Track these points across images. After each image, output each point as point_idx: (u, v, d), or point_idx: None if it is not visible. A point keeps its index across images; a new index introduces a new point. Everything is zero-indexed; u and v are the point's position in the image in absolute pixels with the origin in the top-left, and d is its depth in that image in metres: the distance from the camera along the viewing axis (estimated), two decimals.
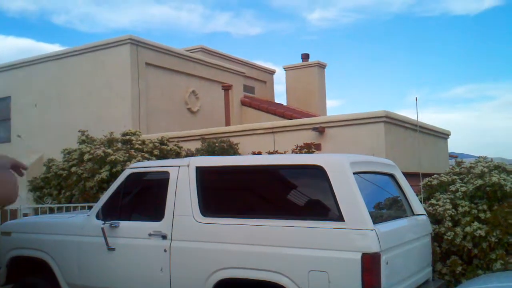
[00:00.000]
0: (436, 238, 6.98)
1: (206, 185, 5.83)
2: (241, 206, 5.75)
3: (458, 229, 6.83)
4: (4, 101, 19.14)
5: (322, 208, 5.28)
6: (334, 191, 5.05)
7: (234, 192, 5.93)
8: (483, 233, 6.60)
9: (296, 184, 5.62)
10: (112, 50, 16.59)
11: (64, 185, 10.10)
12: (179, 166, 6.03)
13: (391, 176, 6.45)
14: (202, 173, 5.87)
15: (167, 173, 6.07)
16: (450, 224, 6.87)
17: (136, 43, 16.37)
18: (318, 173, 5.24)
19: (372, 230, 4.79)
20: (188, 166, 5.96)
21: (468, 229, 6.74)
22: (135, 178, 6.36)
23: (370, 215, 4.94)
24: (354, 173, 5.21)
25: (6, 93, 19.08)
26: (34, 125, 17.96)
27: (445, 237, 6.84)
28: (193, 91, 18.43)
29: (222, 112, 17.75)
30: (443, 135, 16.84)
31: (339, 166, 5.25)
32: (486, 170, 7.05)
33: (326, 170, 5.19)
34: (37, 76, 18.27)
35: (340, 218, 4.94)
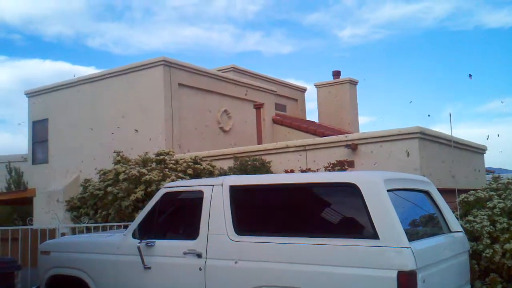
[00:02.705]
0: (474, 255, 6.86)
1: (240, 204, 5.87)
2: (275, 225, 5.75)
3: (497, 246, 6.71)
4: (42, 123, 19.61)
5: (357, 226, 5.26)
6: (368, 208, 5.03)
7: (267, 211, 5.94)
8: None
9: (330, 202, 5.60)
10: (146, 72, 16.88)
11: (100, 204, 10.27)
12: (213, 185, 6.09)
13: (426, 193, 6.38)
14: (236, 192, 5.91)
15: (201, 192, 6.13)
16: (488, 241, 6.74)
17: (169, 65, 16.62)
18: (352, 191, 5.22)
19: (407, 247, 4.73)
20: (222, 185, 6.02)
21: (507, 246, 6.61)
22: (170, 197, 6.44)
23: (406, 232, 4.88)
24: (388, 190, 5.17)
25: (44, 116, 19.56)
26: (70, 146, 18.33)
27: (484, 254, 6.71)
28: (225, 110, 18.59)
29: (254, 131, 17.83)
30: (480, 150, 16.57)
31: (372, 183, 5.22)
32: None
33: (360, 188, 5.17)
34: (73, 98, 18.70)
35: (375, 236, 4.90)
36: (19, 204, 20.64)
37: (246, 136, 18.61)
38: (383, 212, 4.98)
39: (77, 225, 8.94)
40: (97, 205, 10.37)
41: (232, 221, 5.74)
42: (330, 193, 5.56)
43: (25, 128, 20.60)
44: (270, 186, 5.89)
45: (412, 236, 5.18)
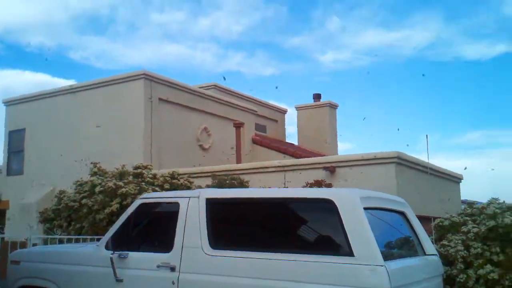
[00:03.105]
0: (448, 280, 6.88)
1: (216, 217, 5.81)
2: (251, 239, 5.70)
3: (470, 272, 6.74)
4: (19, 133, 19.33)
5: (332, 242, 5.23)
6: (344, 225, 5.02)
7: (243, 225, 5.89)
8: (496, 276, 6.50)
9: (306, 218, 5.58)
10: (126, 85, 16.81)
11: (74, 217, 10.11)
12: (189, 197, 6.04)
13: (402, 214, 6.40)
14: (212, 205, 5.86)
15: (177, 204, 6.07)
16: (462, 266, 6.78)
17: (150, 79, 16.58)
18: (328, 207, 5.21)
19: (382, 266, 4.73)
20: (198, 197, 5.96)
21: (481, 271, 6.64)
22: (145, 208, 6.36)
23: (381, 252, 4.89)
24: (364, 208, 5.18)
25: (21, 125, 19.30)
26: (47, 157, 18.09)
27: (458, 279, 6.74)
28: (205, 128, 18.56)
29: (234, 150, 17.80)
30: (456, 179, 16.75)
31: (349, 200, 5.23)
32: (498, 211, 6.99)
33: (336, 204, 5.16)
34: (52, 109, 18.50)
35: (350, 253, 4.89)
36: None
37: (225, 155, 18.57)
38: (359, 229, 4.98)
39: (49, 237, 8.78)
40: (71, 217, 10.21)
41: (208, 234, 5.68)
42: (307, 209, 5.55)
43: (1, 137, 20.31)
44: (247, 200, 5.86)
45: (387, 256, 5.17)
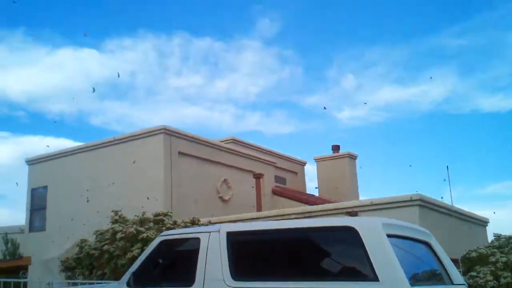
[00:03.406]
0: None
1: (237, 249, 5.78)
2: (273, 269, 5.63)
3: None
4: (41, 190, 19.55)
5: (356, 269, 5.16)
6: (368, 251, 4.96)
7: (265, 256, 5.84)
8: None
9: (329, 246, 5.52)
10: (146, 140, 17.02)
11: (96, 264, 10.07)
12: (210, 232, 6.03)
13: (427, 244, 6.28)
14: (233, 238, 5.84)
15: (198, 239, 6.06)
16: None
17: (169, 133, 16.79)
18: (351, 235, 5.16)
19: None
20: (219, 231, 5.96)
21: None
22: (166, 245, 6.35)
23: (407, 277, 4.79)
24: (388, 235, 5.12)
25: (42, 183, 19.53)
26: (68, 213, 18.16)
27: None
28: (225, 180, 18.59)
29: (254, 201, 17.77)
30: (482, 223, 16.42)
31: (371, 227, 5.19)
32: None
33: (359, 231, 5.12)
34: (72, 166, 18.74)
35: (375, 278, 4.81)
36: (14, 274, 20.20)
37: (245, 206, 18.49)
38: (382, 254, 4.91)
39: (71, 281, 8.73)
40: (93, 265, 10.18)
41: (229, 266, 5.64)
42: (329, 237, 5.49)
43: (23, 197, 20.50)
44: (268, 231, 5.83)
45: (413, 282, 5.06)
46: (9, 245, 24.98)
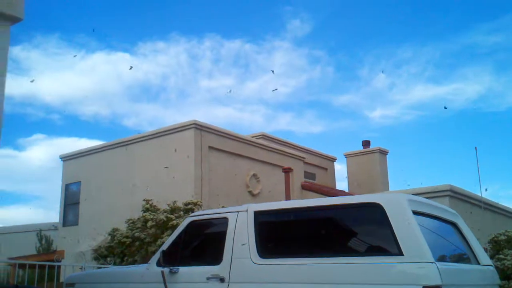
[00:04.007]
0: None
1: (264, 228, 5.88)
2: (299, 247, 5.72)
3: None
4: (74, 186, 19.96)
5: (381, 244, 5.20)
6: (392, 226, 5.00)
7: (291, 233, 5.93)
8: None
9: (354, 223, 5.58)
10: (177, 135, 17.22)
11: (127, 252, 10.28)
12: (238, 212, 6.15)
13: (454, 225, 6.28)
14: (260, 217, 5.94)
15: (226, 219, 6.18)
16: None
17: (200, 128, 16.96)
18: (376, 211, 5.21)
19: (432, 263, 4.66)
20: (247, 211, 6.06)
21: None
22: (195, 225, 6.48)
23: (432, 253, 4.81)
24: (413, 212, 5.15)
25: (76, 178, 19.94)
26: (101, 208, 18.50)
27: None
28: (254, 175, 18.68)
29: (283, 196, 17.80)
30: None
31: (396, 202, 5.23)
32: None
33: (384, 207, 5.16)
34: (106, 162, 19.08)
35: (399, 252, 4.85)
36: (48, 269, 20.68)
37: (274, 201, 18.54)
38: (407, 229, 4.95)
39: (102, 266, 8.95)
40: (124, 253, 10.40)
41: (256, 245, 5.74)
42: (355, 214, 5.55)
43: (57, 197, 20.94)
44: (294, 209, 5.92)
45: (439, 258, 5.08)
46: (43, 241, 25.63)
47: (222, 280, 5.77)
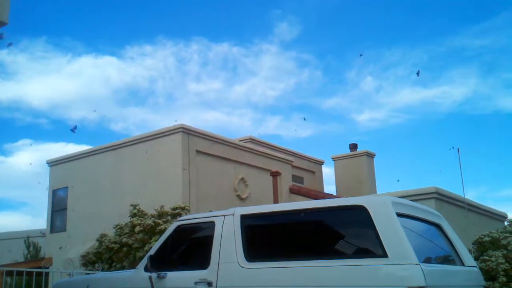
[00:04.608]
0: None
1: (251, 232, 5.93)
2: (286, 250, 5.77)
3: None
4: (62, 191, 19.86)
5: (366, 246, 5.28)
6: (377, 228, 5.07)
7: (278, 237, 5.98)
8: None
9: (340, 225, 5.64)
10: (165, 139, 17.20)
11: (115, 258, 10.28)
12: (224, 216, 6.19)
13: (438, 226, 6.37)
14: (247, 220, 5.99)
15: (212, 223, 6.23)
16: (504, 279, 6.63)
17: (187, 132, 16.96)
18: (361, 213, 5.28)
19: (416, 264, 4.73)
20: (233, 215, 6.11)
21: None
22: (182, 230, 6.52)
23: (416, 255, 4.87)
24: (398, 214, 5.22)
25: (64, 184, 19.83)
26: (89, 214, 18.41)
27: None
28: (242, 178, 18.70)
29: (271, 199, 17.85)
30: (500, 218, 16.35)
31: (381, 204, 5.30)
32: None
33: (368, 209, 5.23)
34: (93, 166, 19.00)
35: (384, 254, 4.91)
36: (36, 276, 20.53)
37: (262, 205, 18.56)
38: (392, 231, 5.02)
39: (91, 272, 8.94)
40: (112, 258, 10.39)
41: (243, 248, 5.78)
42: (340, 217, 5.62)
43: (44, 203, 20.81)
44: (280, 212, 5.98)
45: (423, 260, 5.15)
46: (31, 248, 25.46)
47: (209, 284, 5.81)
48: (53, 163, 20.51)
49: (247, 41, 50.90)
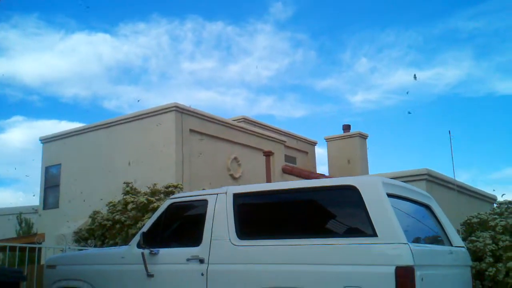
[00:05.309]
0: (478, 276, 6.84)
1: (243, 210, 6.00)
2: (277, 228, 5.85)
3: (500, 265, 6.70)
4: (54, 168, 19.88)
5: (356, 225, 5.36)
6: (367, 208, 5.14)
7: (270, 215, 6.06)
8: None
9: (331, 205, 5.71)
10: (158, 118, 17.20)
11: (108, 234, 10.35)
12: (217, 194, 6.26)
13: (428, 207, 6.46)
14: (239, 199, 6.06)
15: (205, 201, 6.28)
16: (491, 259, 6.75)
17: (181, 111, 16.96)
18: (351, 193, 5.35)
19: (405, 243, 4.81)
20: (226, 193, 6.17)
21: (510, 264, 6.60)
22: (175, 207, 6.58)
23: (405, 235, 4.96)
24: (388, 195, 5.29)
25: (56, 161, 19.84)
26: (82, 191, 18.46)
27: (487, 273, 6.70)
28: (235, 158, 18.77)
29: (264, 179, 17.93)
30: (489, 199, 16.51)
31: (371, 185, 5.36)
32: None
33: (359, 189, 5.30)
34: (86, 144, 19.00)
35: (373, 234, 4.99)
36: (29, 251, 20.62)
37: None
38: (381, 211, 5.09)
39: (83, 248, 9.02)
40: (105, 235, 10.47)
41: (235, 226, 5.86)
42: (331, 196, 5.68)
43: (37, 179, 20.83)
44: (272, 191, 6.04)
45: (411, 239, 5.24)
46: (23, 224, 25.53)
47: (201, 261, 5.89)
48: (46, 140, 20.50)
49: (242, 20, 50.73)
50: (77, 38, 46.28)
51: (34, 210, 23.53)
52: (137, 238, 6.58)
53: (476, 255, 6.90)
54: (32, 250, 9.50)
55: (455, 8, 44.77)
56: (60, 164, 19.72)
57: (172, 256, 6.18)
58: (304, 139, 24.88)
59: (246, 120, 21.50)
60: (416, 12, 44.45)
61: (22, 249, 10.82)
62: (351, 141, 23.64)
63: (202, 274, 5.82)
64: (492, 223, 7.09)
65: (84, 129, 19.35)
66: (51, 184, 19.89)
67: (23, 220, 25.64)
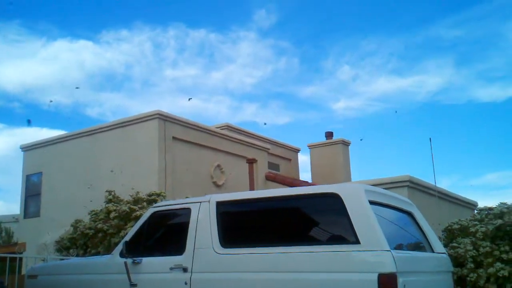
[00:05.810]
0: (460, 282, 6.90)
1: (226, 218, 6.00)
2: (260, 236, 5.86)
3: (481, 271, 6.77)
4: (36, 176, 19.69)
5: (339, 233, 5.38)
6: (350, 215, 5.17)
7: (253, 223, 6.07)
8: (506, 274, 6.52)
9: (313, 212, 5.74)
10: (141, 125, 17.14)
11: (90, 243, 10.27)
12: (200, 202, 6.25)
13: (410, 214, 6.51)
14: (222, 207, 6.05)
15: (188, 209, 6.27)
16: (472, 265, 6.82)
17: (163, 118, 16.92)
18: (334, 201, 5.37)
19: (388, 251, 4.85)
20: (209, 201, 6.17)
21: (491, 270, 6.67)
22: (158, 216, 6.55)
23: (388, 242, 4.99)
24: (370, 202, 5.32)
25: (38, 169, 19.66)
26: (63, 199, 18.30)
27: (468, 278, 6.76)
28: (219, 165, 18.75)
29: (247, 187, 17.94)
30: (470, 206, 16.69)
31: (354, 192, 5.39)
32: (505, 210, 7.07)
33: (342, 197, 5.33)
34: (68, 152, 18.86)
35: (356, 241, 5.02)
36: (10, 261, 20.34)
37: (239, 191, 18.63)
38: (364, 218, 5.12)
39: (65, 257, 8.94)
40: (87, 244, 10.38)
41: (218, 235, 5.85)
42: (314, 204, 5.70)
43: (18, 188, 20.62)
44: (256, 199, 6.05)
45: (394, 246, 5.28)
46: (3, 233, 25.22)
47: (185, 270, 5.87)
48: (27, 148, 20.32)
49: (225, 27, 50.81)
50: (59, 45, 46.01)
51: (14, 219, 23.27)
52: (119, 247, 6.54)
53: (458, 261, 6.97)
54: (13, 260, 9.39)
55: (436, 16, 45.32)
56: (41, 172, 19.55)
57: (155, 265, 6.15)
58: (287, 146, 24.96)
59: (229, 127, 21.52)
60: (398, 20, 44.93)
61: (2, 259, 10.68)
62: (334, 148, 23.79)
63: (186, 283, 5.79)
64: (472, 229, 7.17)
65: (65, 137, 19.22)
66: (32, 193, 19.69)
67: (3, 229, 25.34)
